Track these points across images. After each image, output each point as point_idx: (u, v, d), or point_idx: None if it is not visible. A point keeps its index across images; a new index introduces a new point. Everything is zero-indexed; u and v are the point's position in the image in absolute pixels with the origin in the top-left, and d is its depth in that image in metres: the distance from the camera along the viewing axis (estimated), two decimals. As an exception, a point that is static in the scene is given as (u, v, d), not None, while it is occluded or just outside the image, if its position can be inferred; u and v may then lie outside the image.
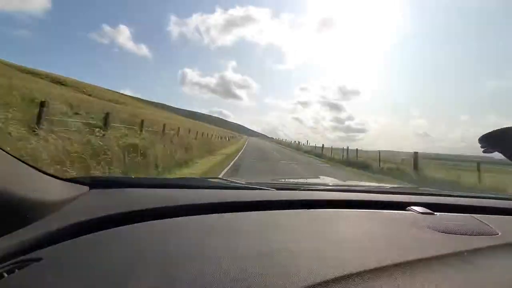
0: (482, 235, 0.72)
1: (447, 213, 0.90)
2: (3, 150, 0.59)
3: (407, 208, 0.91)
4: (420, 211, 0.87)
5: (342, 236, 0.66)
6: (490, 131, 0.85)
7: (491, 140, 0.86)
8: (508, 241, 0.67)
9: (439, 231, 0.71)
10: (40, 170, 0.69)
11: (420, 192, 1.22)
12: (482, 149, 0.89)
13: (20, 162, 0.64)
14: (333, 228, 0.72)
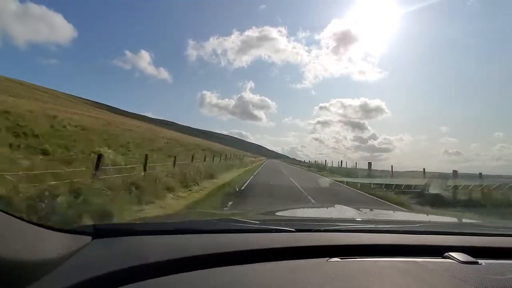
0: None
1: (493, 260, 0.80)
2: None
3: (445, 255, 0.81)
4: (461, 260, 0.77)
5: None
6: None
7: None
8: None
9: None
10: (37, 224, 0.66)
11: (458, 231, 1.09)
12: None
13: (12, 217, 0.61)
14: (360, 284, 0.64)
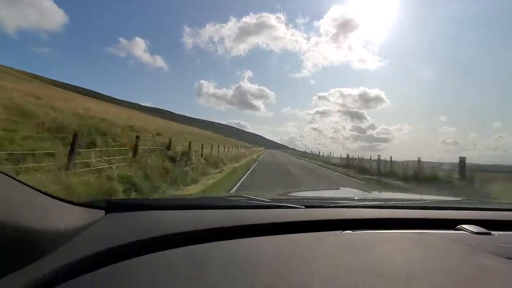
0: None
1: (507, 232, 0.81)
2: (9, 176, 0.57)
3: (457, 227, 0.82)
4: (474, 231, 0.79)
5: (384, 264, 0.58)
6: None
7: None
8: None
9: (503, 257, 0.62)
10: (51, 196, 0.67)
11: (470, 206, 1.10)
12: None
13: (28, 187, 0.61)
14: (374, 254, 0.64)
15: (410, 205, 1.07)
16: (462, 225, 0.82)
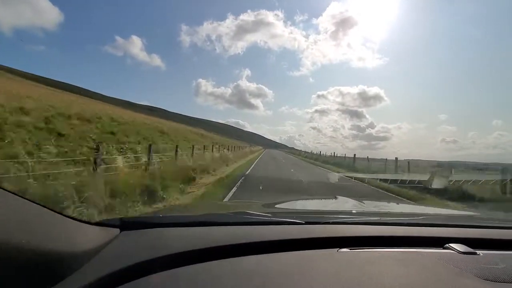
0: None
1: (491, 251, 0.87)
2: (27, 199, 0.59)
3: (445, 246, 0.88)
4: (461, 250, 0.84)
5: (377, 283, 0.65)
6: None
7: None
8: None
9: (483, 279, 0.68)
10: (67, 216, 0.69)
11: (458, 223, 1.17)
12: None
13: (52, 212, 0.64)
14: (365, 272, 0.70)
15: (404, 222, 1.13)
16: (450, 244, 0.88)
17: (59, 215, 0.66)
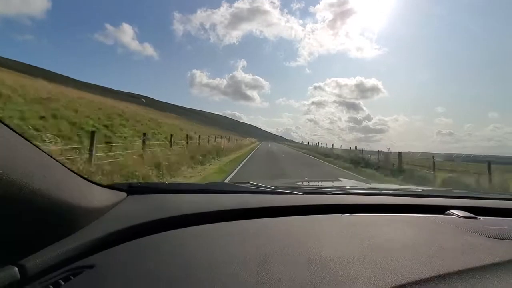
0: None
1: (490, 217, 0.89)
2: (52, 157, 0.62)
3: (446, 212, 0.90)
4: (462, 215, 0.86)
5: (385, 243, 0.65)
6: None
7: None
8: None
9: (486, 236, 0.70)
10: (79, 175, 0.71)
11: (457, 195, 1.21)
12: None
13: (66, 169, 0.66)
14: (370, 233, 0.71)
15: (405, 193, 1.15)
16: (451, 211, 0.90)
17: (72, 172, 0.68)
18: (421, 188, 1.39)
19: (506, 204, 1.06)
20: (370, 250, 0.60)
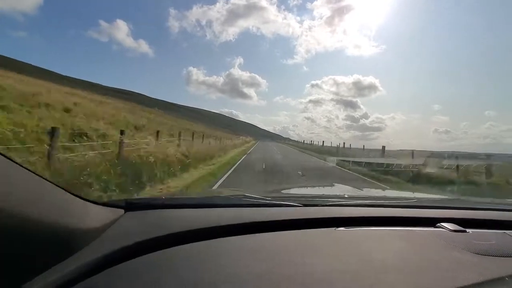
0: None
1: (479, 229, 0.90)
2: (44, 178, 0.61)
3: (437, 225, 0.91)
4: (451, 229, 0.88)
5: (374, 258, 0.67)
6: None
7: None
8: None
9: (473, 252, 0.72)
10: (74, 194, 0.71)
11: (449, 205, 1.23)
12: None
13: (60, 189, 0.65)
14: (362, 249, 0.73)
15: (397, 204, 1.17)
16: (441, 223, 0.91)
17: (67, 192, 0.67)
18: (412, 197, 1.43)
19: (496, 215, 1.08)
20: (358, 267, 0.62)
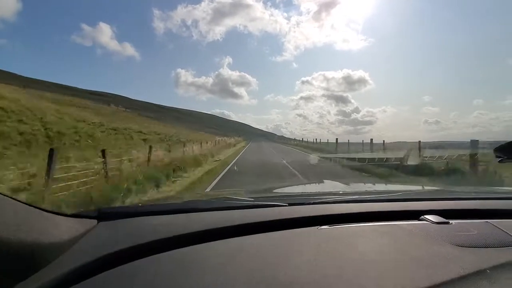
0: (502, 246, 0.73)
1: (462, 220, 0.91)
2: (2, 194, 0.60)
3: (420, 218, 0.92)
4: (435, 221, 0.89)
5: (355, 256, 0.68)
6: (503, 143, 0.99)
7: (506, 151, 0.99)
8: None
9: (456, 245, 0.73)
10: (40, 208, 0.70)
11: (432, 197, 1.25)
12: (498, 159, 1.04)
13: (21, 203, 0.64)
14: (344, 247, 0.73)
15: (380, 198, 1.20)
16: (425, 216, 0.92)
17: (31, 207, 0.66)
18: (396, 190, 1.47)
19: (479, 204, 1.10)
20: (346, 266, 0.63)
